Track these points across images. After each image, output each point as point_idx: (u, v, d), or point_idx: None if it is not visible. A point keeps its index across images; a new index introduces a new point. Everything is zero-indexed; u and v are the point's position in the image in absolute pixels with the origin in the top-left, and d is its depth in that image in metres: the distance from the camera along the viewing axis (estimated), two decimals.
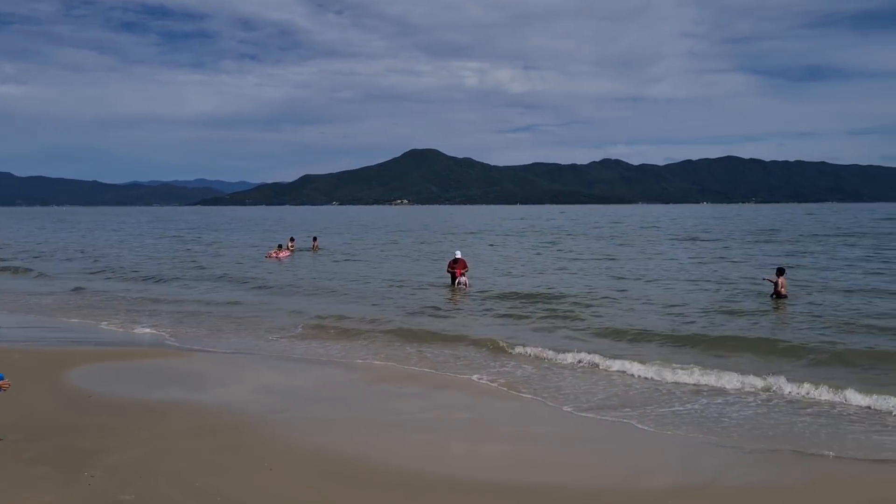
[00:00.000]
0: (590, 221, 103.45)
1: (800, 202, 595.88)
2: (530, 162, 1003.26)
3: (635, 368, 13.12)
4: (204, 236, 64.58)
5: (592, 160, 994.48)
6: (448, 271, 25.60)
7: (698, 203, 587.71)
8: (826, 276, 26.93)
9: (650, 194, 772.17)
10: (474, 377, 12.75)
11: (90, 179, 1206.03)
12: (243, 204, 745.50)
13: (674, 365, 13.10)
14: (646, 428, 9.71)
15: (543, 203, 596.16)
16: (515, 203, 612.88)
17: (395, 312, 19.97)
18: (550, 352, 14.63)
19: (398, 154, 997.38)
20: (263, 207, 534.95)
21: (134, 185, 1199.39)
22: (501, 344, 15.22)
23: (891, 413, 10.35)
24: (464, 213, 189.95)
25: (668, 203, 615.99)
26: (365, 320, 18.81)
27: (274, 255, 37.89)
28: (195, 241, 56.88)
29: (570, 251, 42.61)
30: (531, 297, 22.21)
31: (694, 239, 54.46)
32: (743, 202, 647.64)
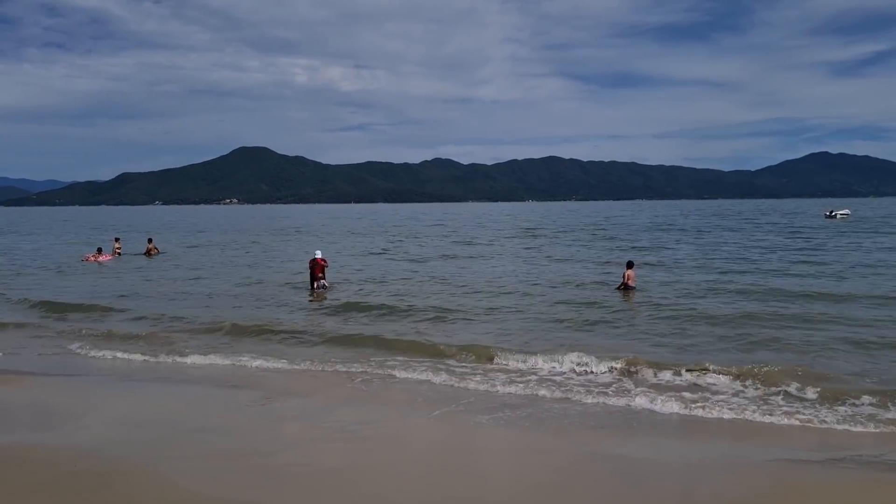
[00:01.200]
0: (431, 220, 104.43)
1: (615, 199, 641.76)
2: (363, 161, 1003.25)
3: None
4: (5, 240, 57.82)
5: (424, 159, 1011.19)
6: (310, 272, 24.14)
7: (524, 201, 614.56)
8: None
9: (479, 193, 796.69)
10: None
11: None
12: (53, 204, 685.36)
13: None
14: None
15: (377, 202, 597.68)
16: (350, 202, 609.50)
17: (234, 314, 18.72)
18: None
19: (226, 152, 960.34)
20: (77, 208, 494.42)
21: None
22: None
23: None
24: (298, 213, 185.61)
25: (496, 201, 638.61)
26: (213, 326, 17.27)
27: (92, 258, 34.39)
28: None
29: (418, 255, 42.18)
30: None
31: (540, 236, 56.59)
32: (565, 200, 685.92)
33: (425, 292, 23.06)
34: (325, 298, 22.06)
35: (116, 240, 39.83)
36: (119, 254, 37.38)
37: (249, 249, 44.08)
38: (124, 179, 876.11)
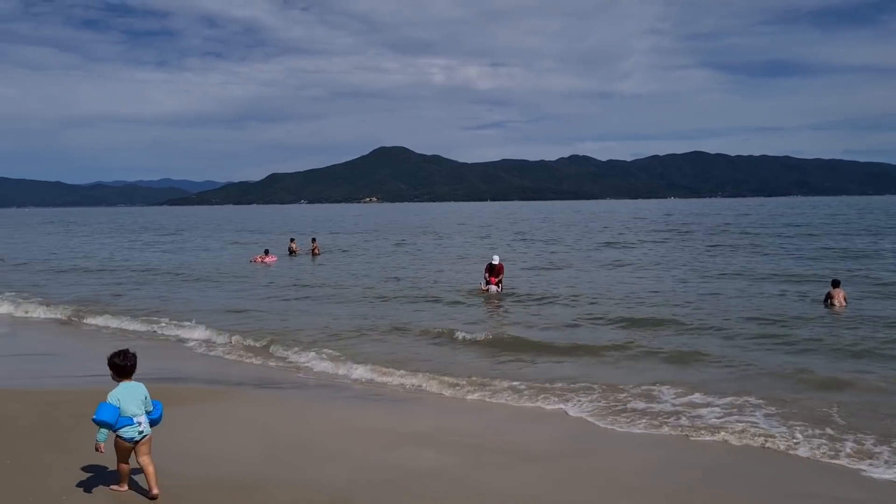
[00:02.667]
0: (582, 220, 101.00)
1: (766, 196, 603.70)
2: (499, 159, 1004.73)
3: None
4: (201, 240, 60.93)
5: (560, 156, 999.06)
6: (484, 277, 22.94)
7: (666, 198, 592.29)
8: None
9: (618, 190, 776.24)
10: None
11: (53, 180, 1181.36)
12: (210, 203, 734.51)
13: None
14: None
15: (512, 199, 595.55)
16: (485, 200, 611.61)
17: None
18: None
19: (366, 152, 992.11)
20: (231, 207, 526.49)
21: (98, 186, 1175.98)
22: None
23: None
24: (438, 211, 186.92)
25: (636, 198, 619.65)
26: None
27: (259, 259, 35.04)
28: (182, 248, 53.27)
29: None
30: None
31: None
32: (710, 196, 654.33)
33: (602, 296, 21.05)
34: (500, 302, 20.85)
35: (292, 240, 40.80)
36: (297, 253, 38.65)
37: (405, 249, 43.71)
38: (273, 179, 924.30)
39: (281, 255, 37.49)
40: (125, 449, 5.96)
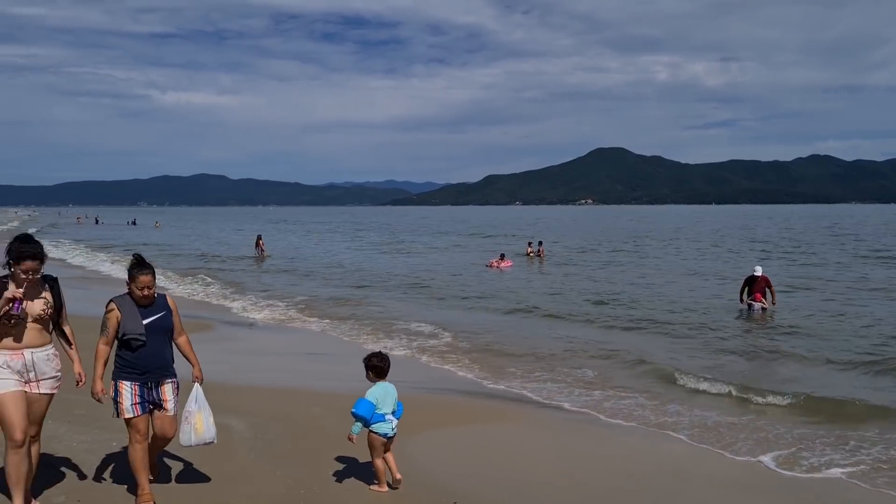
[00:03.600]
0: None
1: None
2: (726, 159, 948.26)
3: None
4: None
5: (798, 156, 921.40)
6: (744, 292, 19.53)
7: None
8: None
9: (865, 192, 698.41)
10: None
11: (292, 181, 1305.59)
12: (430, 204, 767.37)
13: None
14: None
15: (740, 202, 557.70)
16: (709, 203, 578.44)
17: None
18: None
19: (583, 153, 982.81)
20: (449, 207, 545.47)
21: (330, 187, 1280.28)
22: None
23: None
24: (658, 214, 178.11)
25: (887, 202, 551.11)
26: None
27: (495, 264, 33.75)
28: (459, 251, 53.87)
29: None
30: None
31: None
32: None
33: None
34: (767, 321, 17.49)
35: (529, 244, 39.39)
36: (540, 255, 37.26)
37: (633, 258, 40.25)
38: (489, 181, 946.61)
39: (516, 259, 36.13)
40: (379, 444, 6.17)
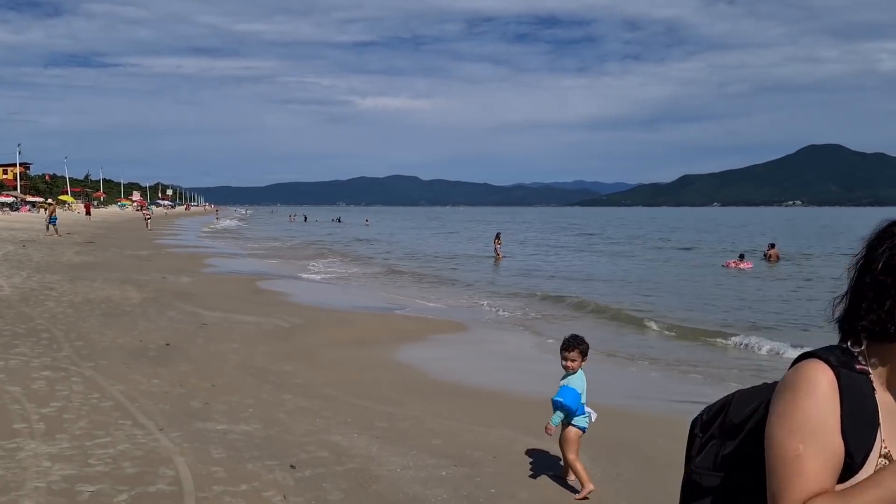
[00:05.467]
0: None
1: None
2: None
3: None
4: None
5: None
6: None
7: None
8: None
9: None
10: None
11: (481, 182, 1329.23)
12: (620, 205, 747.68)
13: None
14: None
15: None
16: None
17: None
18: None
19: (792, 150, 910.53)
20: (640, 208, 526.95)
21: (518, 187, 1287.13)
22: None
23: None
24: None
25: None
26: None
27: (733, 264, 30.40)
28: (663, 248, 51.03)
29: None
30: None
31: None
32: None
33: None
34: None
35: (771, 246, 35.67)
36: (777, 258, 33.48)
37: None
38: (685, 181, 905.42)
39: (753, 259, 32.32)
40: (577, 439, 5.40)
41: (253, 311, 13.59)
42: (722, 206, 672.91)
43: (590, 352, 5.50)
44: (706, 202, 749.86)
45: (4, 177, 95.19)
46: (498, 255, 32.54)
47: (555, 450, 5.76)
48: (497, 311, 15.76)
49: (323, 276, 23.03)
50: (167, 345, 9.92)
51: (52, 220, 38.78)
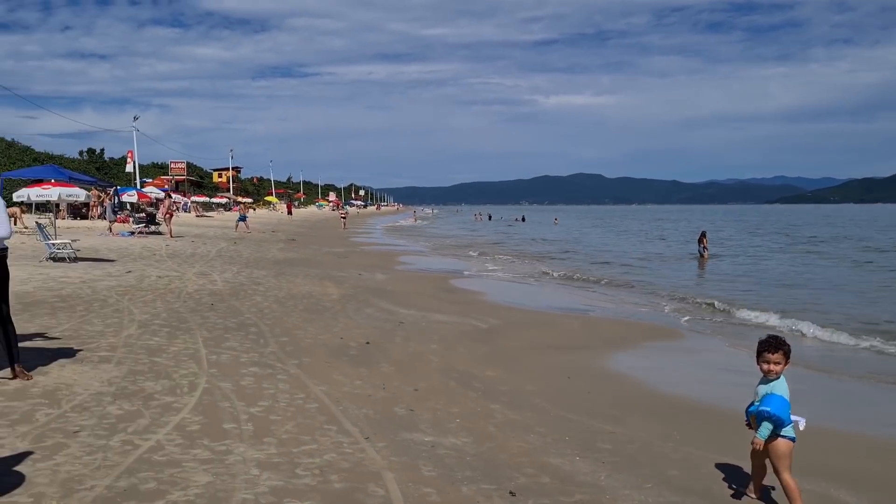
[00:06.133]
0: None
1: None
2: None
3: None
4: None
5: None
6: None
7: None
8: None
9: None
10: None
11: (669, 179, 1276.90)
12: (827, 202, 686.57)
13: None
14: None
15: None
16: None
17: None
18: None
19: None
20: (850, 205, 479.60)
21: (711, 184, 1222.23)
22: None
23: None
24: None
25: None
26: None
27: None
28: None
29: None
30: None
31: None
32: None
33: None
34: None
35: None
36: None
37: None
38: None
39: None
40: (790, 452, 4.73)
41: (448, 310, 13.23)
42: None
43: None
44: None
45: (219, 180, 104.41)
46: (704, 255, 29.98)
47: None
48: (712, 318, 14.27)
49: (513, 274, 22.45)
50: (367, 343, 9.70)
51: (241, 217, 41.52)
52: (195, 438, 5.36)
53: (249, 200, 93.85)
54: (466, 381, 7.97)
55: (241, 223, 39.88)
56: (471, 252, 33.07)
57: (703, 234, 31.46)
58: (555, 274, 22.77)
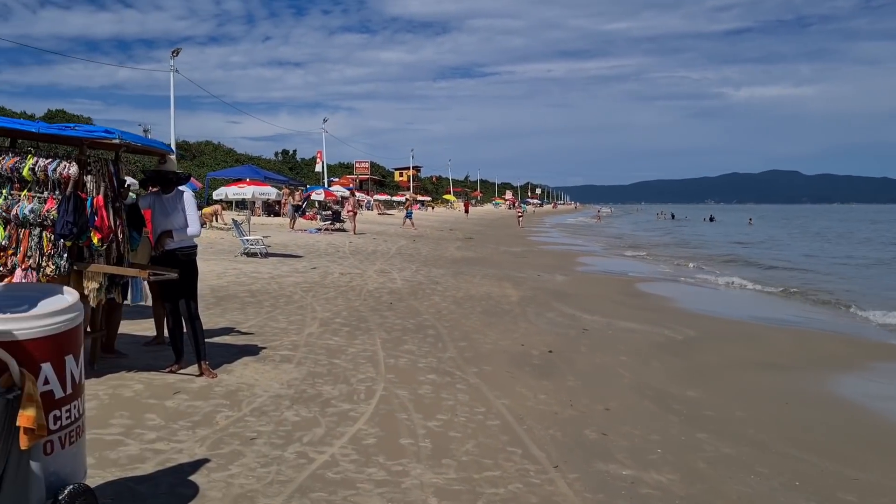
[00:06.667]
0: None
1: None
2: None
3: None
4: None
5: None
6: None
7: None
8: None
9: None
10: None
11: (879, 176, 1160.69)
12: None
13: None
14: None
15: None
16: None
17: None
18: None
19: None
20: None
21: None
22: None
23: None
24: None
25: None
26: None
27: None
28: None
29: None
30: None
31: None
32: None
33: None
34: None
35: None
36: None
37: None
38: None
39: None
40: None
41: (636, 318, 12.23)
42: None
43: None
44: None
45: (400, 178, 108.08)
46: None
47: None
48: None
49: (704, 278, 20.77)
50: (550, 352, 9.02)
51: (408, 214, 42.13)
52: (371, 455, 4.97)
53: (429, 199, 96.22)
54: (664, 401, 7.06)
55: (408, 220, 40.73)
56: (654, 253, 31.35)
57: None
58: (749, 279, 20.81)
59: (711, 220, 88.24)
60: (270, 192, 22.87)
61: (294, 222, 32.05)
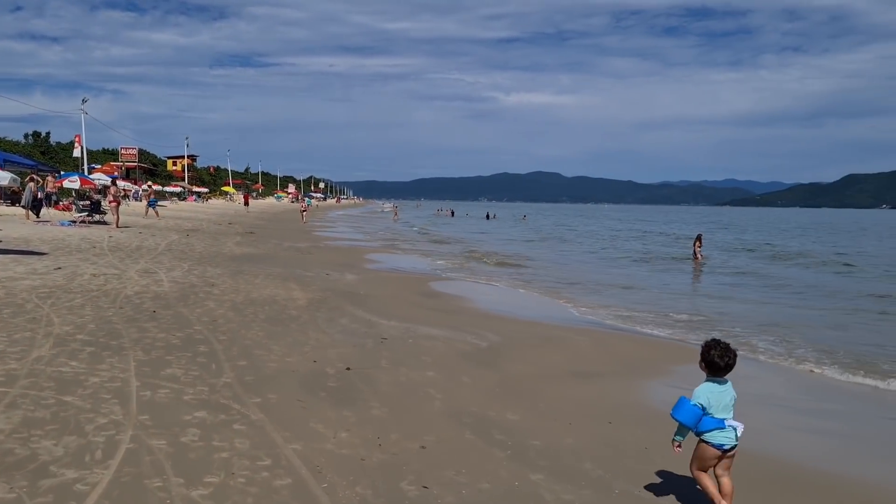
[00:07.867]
0: None
1: None
2: None
3: None
4: None
5: None
6: None
7: None
8: None
9: None
10: None
11: (625, 179, 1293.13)
12: (774, 205, 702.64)
13: None
14: None
15: None
16: None
17: None
18: None
19: None
20: (797, 210, 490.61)
21: (665, 185, 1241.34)
22: None
23: None
24: None
25: None
26: None
27: None
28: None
29: None
30: None
31: None
32: None
33: None
34: None
35: None
36: None
37: None
38: (850, 181, 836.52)
39: None
40: (710, 457, 4.61)
41: (436, 322, 11.31)
42: (892, 207, 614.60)
43: None
44: (873, 204, 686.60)
45: (174, 168, 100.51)
46: (697, 258, 29.34)
47: None
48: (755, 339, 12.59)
49: (494, 277, 20.59)
50: (348, 369, 7.73)
51: (151, 202, 39.29)
52: None
53: (206, 190, 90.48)
54: (486, 430, 6.06)
55: (151, 209, 37.70)
56: (442, 250, 31.18)
57: (699, 238, 31.07)
58: (536, 275, 20.99)
59: (494, 217, 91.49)
60: (3, 176, 19.16)
61: (30, 214, 27.64)
